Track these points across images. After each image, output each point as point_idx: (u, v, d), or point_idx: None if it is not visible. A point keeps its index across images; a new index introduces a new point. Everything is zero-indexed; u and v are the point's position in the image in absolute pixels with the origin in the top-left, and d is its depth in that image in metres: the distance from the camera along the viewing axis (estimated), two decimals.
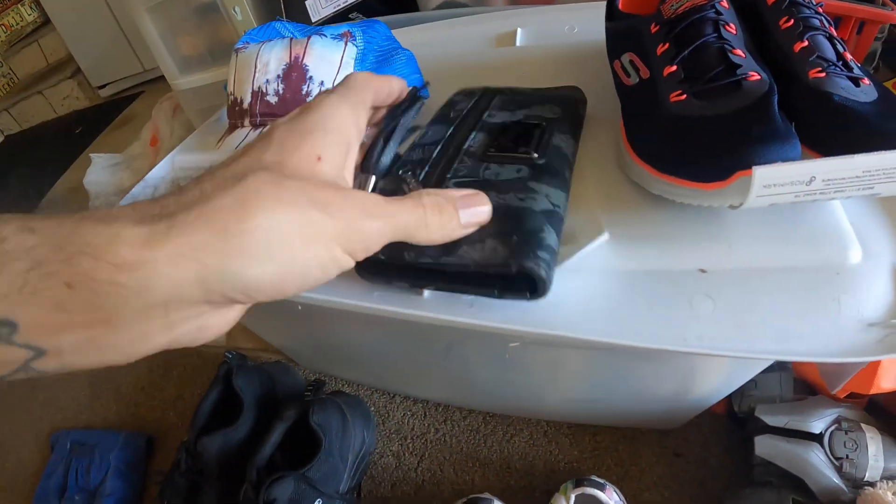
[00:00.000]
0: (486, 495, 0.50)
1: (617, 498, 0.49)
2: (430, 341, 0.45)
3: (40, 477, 0.70)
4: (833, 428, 0.49)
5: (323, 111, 0.25)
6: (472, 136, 0.38)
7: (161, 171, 0.52)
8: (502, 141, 0.36)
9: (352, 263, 0.23)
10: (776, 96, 0.34)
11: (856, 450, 0.48)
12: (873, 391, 0.48)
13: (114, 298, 0.18)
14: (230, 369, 0.59)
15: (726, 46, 0.37)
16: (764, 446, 0.50)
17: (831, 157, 0.31)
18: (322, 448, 0.53)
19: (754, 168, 0.30)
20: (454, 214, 0.26)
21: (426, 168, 0.36)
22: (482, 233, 0.30)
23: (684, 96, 0.36)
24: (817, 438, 0.49)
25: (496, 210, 0.31)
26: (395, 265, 0.32)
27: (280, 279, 0.21)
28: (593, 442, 0.56)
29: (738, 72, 0.35)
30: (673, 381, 0.45)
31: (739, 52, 0.37)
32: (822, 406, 0.51)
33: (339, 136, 0.25)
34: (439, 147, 0.37)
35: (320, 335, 0.56)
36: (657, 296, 0.32)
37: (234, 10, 0.65)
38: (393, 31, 0.61)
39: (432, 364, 0.52)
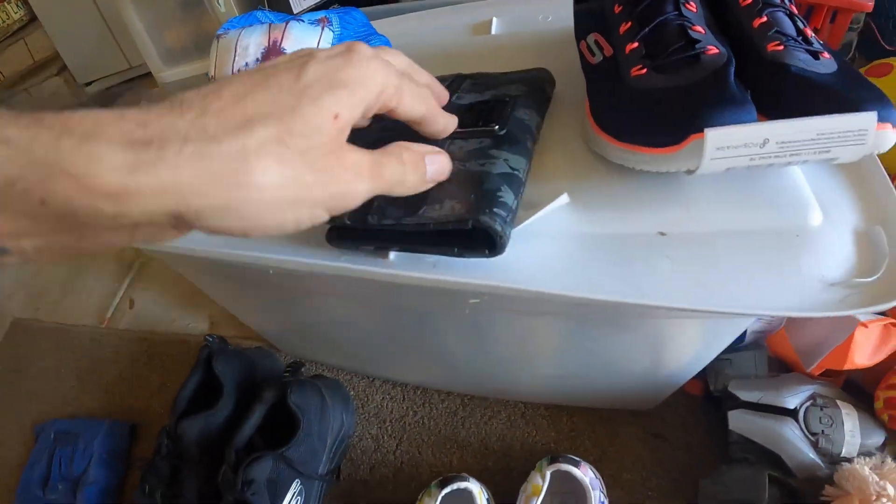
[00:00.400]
0: (462, 475, 0.50)
1: (592, 475, 0.49)
2: (402, 313, 0.46)
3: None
4: (808, 404, 0.50)
5: (363, 71, 0.24)
6: None
7: None
8: (467, 118, 0.37)
9: (326, 218, 0.24)
10: (733, 67, 0.35)
11: (831, 425, 0.48)
12: (847, 367, 0.49)
13: (87, 218, 0.18)
14: (210, 353, 0.59)
15: (686, 24, 0.38)
16: (738, 421, 0.50)
17: (786, 119, 0.32)
18: (300, 428, 0.53)
19: (706, 130, 0.30)
20: (425, 169, 0.28)
21: None
22: (443, 193, 0.31)
23: (644, 70, 0.37)
24: (792, 414, 0.49)
25: (457, 175, 0.33)
26: (359, 229, 0.33)
27: (252, 229, 0.21)
28: (570, 423, 0.56)
29: (697, 46, 0.36)
30: (644, 353, 0.45)
31: (699, 28, 0.38)
32: (797, 382, 0.51)
33: (363, 100, 0.24)
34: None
35: (299, 316, 0.57)
36: (616, 257, 0.33)
37: (218, 2, 0.66)
38: (374, 22, 0.62)
39: (409, 345, 0.52)
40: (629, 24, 0.40)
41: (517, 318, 0.42)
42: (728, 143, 0.31)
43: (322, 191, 0.22)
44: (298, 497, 0.54)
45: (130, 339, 0.80)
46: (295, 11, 0.66)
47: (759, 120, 0.36)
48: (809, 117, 0.31)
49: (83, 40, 1.17)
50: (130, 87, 1.17)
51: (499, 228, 0.30)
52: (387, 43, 0.49)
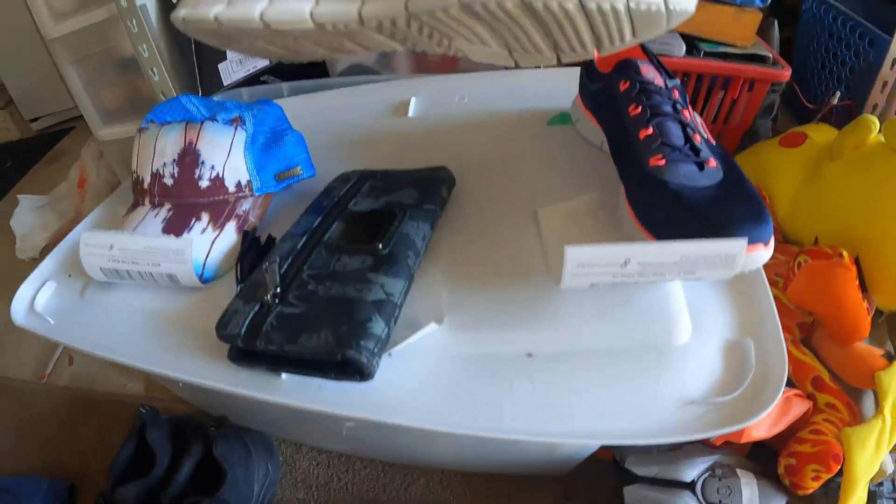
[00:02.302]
0: None
1: None
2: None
3: None
4: (706, 475, 0.50)
5: None
6: (333, 225, 0.41)
7: (66, 247, 0.54)
8: (355, 231, 0.40)
9: None
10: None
11: (729, 495, 0.49)
12: (745, 440, 0.50)
13: None
14: (144, 424, 0.61)
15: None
16: (633, 496, 0.51)
17: (648, 243, 0.34)
18: (227, 477, 0.55)
19: (566, 247, 0.32)
20: None
21: (289, 260, 0.39)
22: (320, 322, 0.34)
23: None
24: (690, 486, 0.50)
25: (336, 301, 0.35)
26: (252, 351, 0.35)
27: None
28: (487, 489, 0.59)
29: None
30: (533, 447, 0.47)
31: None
32: (697, 454, 0.52)
33: None
34: (304, 238, 0.41)
35: (224, 399, 0.58)
36: (486, 379, 0.35)
37: (152, 71, 0.68)
38: (299, 97, 0.64)
39: (325, 426, 0.55)
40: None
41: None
42: (590, 261, 0.33)
43: None
44: None
45: (68, 396, 0.80)
46: (225, 83, 0.67)
47: (643, 234, 0.39)
48: (674, 241, 0.33)
49: (30, 75, 1.17)
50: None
51: (364, 361, 0.33)
52: (300, 137, 0.52)
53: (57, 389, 0.81)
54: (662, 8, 0.34)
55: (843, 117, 0.75)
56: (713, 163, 0.39)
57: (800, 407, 0.54)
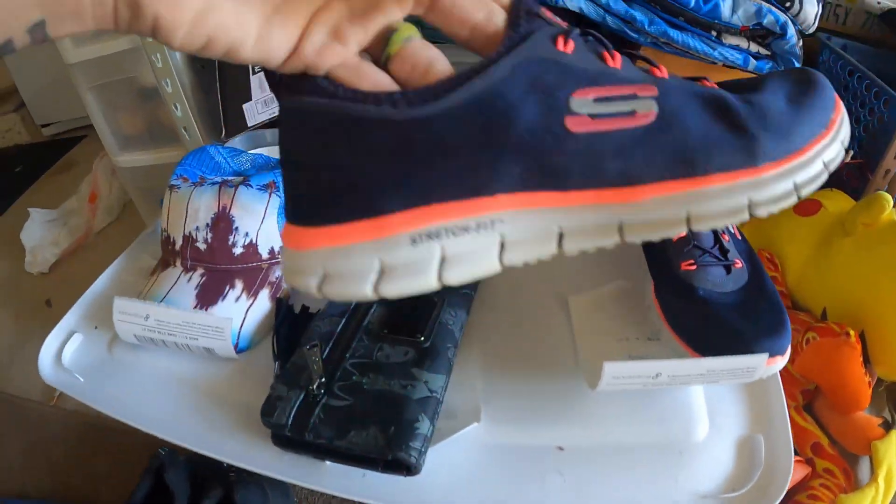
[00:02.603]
0: None
1: None
2: None
3: None
4: None
5: None
6: (372, 309, 0.42)
7: (90, 297, 0.54)
8: (395, 316, 0.41)
9: None
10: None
11: None
12: None
13: None
14: (162, 464, 0.62)
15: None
16: None
17: (680, 360, 0.36)
18: None
19: (605, 364, 0.35)
20: None
21: (329, 344, 0.40)
22: (368, 417, 0.35)
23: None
24: None
25: (382, 395, 0.36)
26: (299, 441, 0.37)
27: None
28: None
29: (729, 256, 0.41)
30: None
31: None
32: None
33: None
34: (343, 320, 0.42)
35: None
36: (518, 470, 0.37)
37: (175, 107, 0.67)
38: None
39: None
40: None
41: None
42: (624, 374, 0.35)
43: None
44: None
45: (78, 421, 0.80)
46: (250, 124, 0.67)
47: (668, 331, 0.41)
48: (702, 359, 0.36)
49: (43, 81, 1.15)
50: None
51: (413, 462, 0.34)
52: None
53: (66, 414, 0.81)
54: None
55: (856, 176, 0.77)
56: (739, 263, 0.41)
57: (799, 472, 0.56)
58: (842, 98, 0.30)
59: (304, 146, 0.23)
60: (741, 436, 0.39)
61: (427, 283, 0.23)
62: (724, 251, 0.42)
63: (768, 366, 0.36)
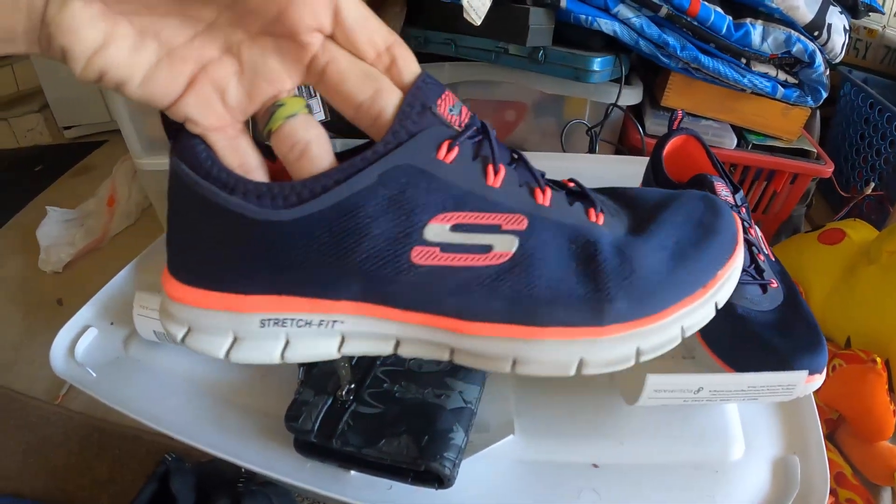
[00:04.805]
0: None
1: None
2: None
3: None
4: None
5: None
6: None
7: (108, 292, 0.53)
8: None
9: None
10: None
11: None
12: None
13: None
14: (167, 471, 0.60)
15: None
16: None
17: (721, 374, 0.36)
18: None
19: (648, 375, 0.34)
20: None
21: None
22: (400, 425, 0.34)
23: None
24: None
25: (414, 405, 0.35)
26: (325, 448, 0.35)
27: None
28: None
29: (764, 276, 0.41)
30: None
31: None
32: None
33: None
34: None
35: None
36: (551, 487, 0.36)
37: None
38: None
39: None
40: None
41: None
42: (666, 387, 0.34)
43: None
44: None
45: (81, 423, 0.79)
46: None
47: (703, 348, 0.41)
48: (743, 374, 0.35)
49: (68, 83, 1.16)
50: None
51: (447, 473, 0.33)
52: None
53: (69, 415, 0.79)
54: None
55: (876, 208, 0.77)
56: (775, 283, 0.41)
57: None
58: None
59: (181, 207, 0.24)
60: (777, 456, 0.38)
61: (270, 359, 0.26)
62: (759, 270, 0.41)
63: (807, 383, 0.35)
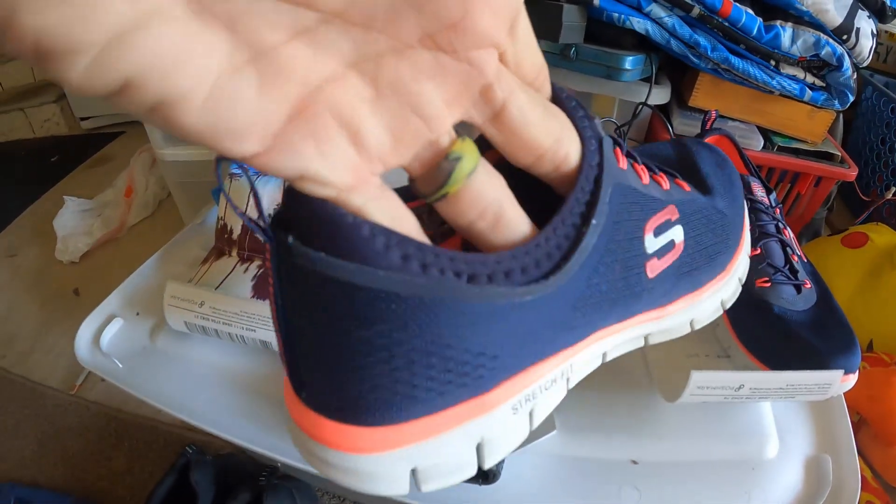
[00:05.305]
0: None
1: None
2: None
3: None
4: None
5: None
6: None
7: (134, 282, 0.53)
8: None
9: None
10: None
11: None
12: None
13: None
14: (188, 462, 0.60)
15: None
16: None
17: (762, 372, 0.36)
18: None
19: (692, 372, 0.34)
20: None
21: None
22: None
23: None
24: None
25: None
26: None
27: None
28: None
29: (798, 276, 0.41)
30: None
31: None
32: None
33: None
34: None
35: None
36: (593, 483, 0.36)
37: None
38: None
39: None
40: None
41: None
42: (709, 384, 0.35)
43: None
44: None
45: (98, 413, 0.79)
46: None
47: (738, 345, 0.41)
48: (782, 372, 0.35)
49: None
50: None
51: (494, 469, 0.33)
52: None
53: (85, 405, 0.79)
54: None
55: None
56: (808, 284, 0.41)
57: None
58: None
59: (338, 322, 0.16)
60: (809, 455, 0.39)
61: (521, 439, 0.22)
62: (794, 271, 0.41)
63: (842, 383, 0.36)
